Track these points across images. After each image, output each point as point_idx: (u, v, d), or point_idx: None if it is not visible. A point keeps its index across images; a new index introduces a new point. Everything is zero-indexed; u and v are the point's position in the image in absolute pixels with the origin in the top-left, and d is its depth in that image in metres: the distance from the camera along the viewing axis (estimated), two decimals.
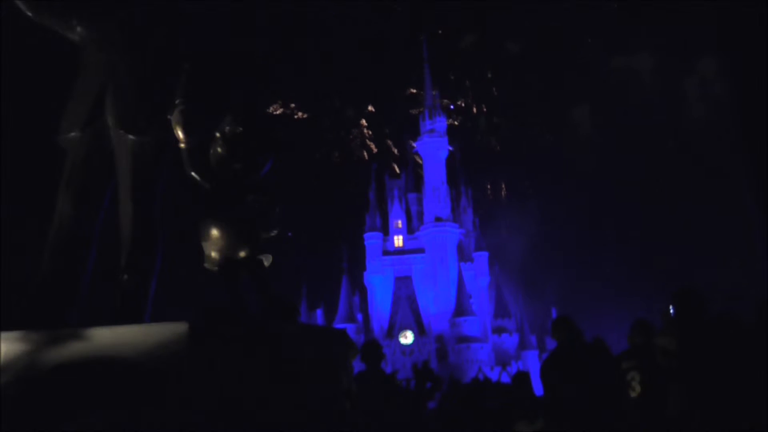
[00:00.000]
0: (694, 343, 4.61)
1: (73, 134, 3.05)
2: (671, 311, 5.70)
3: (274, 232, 3.09)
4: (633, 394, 5.40)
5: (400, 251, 62.10)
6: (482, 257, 62.95)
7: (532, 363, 53.12)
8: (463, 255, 61.50)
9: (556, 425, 5.36)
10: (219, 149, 2.99)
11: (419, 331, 56.04)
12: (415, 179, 68.00)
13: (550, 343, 56.61)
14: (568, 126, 78.91)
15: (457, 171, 68.00)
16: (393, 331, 56.13)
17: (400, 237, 62.89)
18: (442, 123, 65.43)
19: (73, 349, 2.34)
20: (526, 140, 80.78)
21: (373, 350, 6.23)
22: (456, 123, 77.37)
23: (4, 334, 2.40)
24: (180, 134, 3.01)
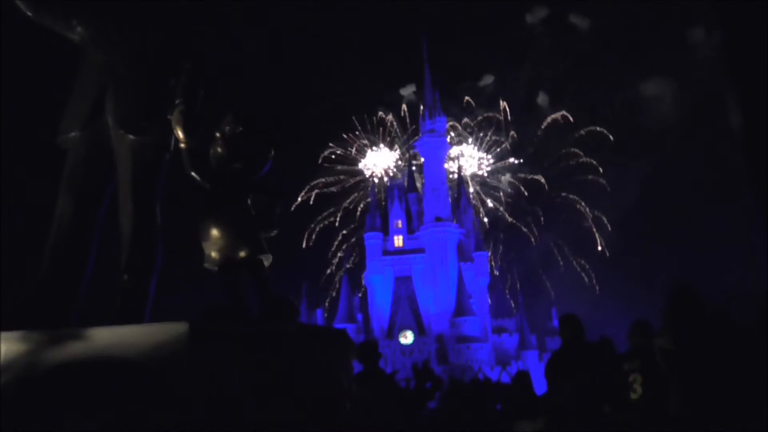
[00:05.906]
0: (690, 342, 4.60)
1: (73, 134, 3.06)
2: None
3: (274, 232, 3.09)
4: (634, 396, 5.39)
5: (400, 251, 62.03)
6: (482, 257, 62.93)
7: (532, 363, 53.12)
8: (463, 255, 61.46)
9: (557, 425, 5.36)
10: (219, 149, 3.00)
11: (419, 331, 56.01)
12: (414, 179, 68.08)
13: (550, 343, 56.75)
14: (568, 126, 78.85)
15: (457, 171, 68.14)
16: (393, 331, 56.10)
17: (400, 237, 62.82)
18: (442, 123, 65.45)
19: (73, 349, 2.34)
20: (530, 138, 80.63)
21: (369, 350, 6.21)
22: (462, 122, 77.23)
23: (4, 334, 2.40)
24: (180, 134, 3.01)
